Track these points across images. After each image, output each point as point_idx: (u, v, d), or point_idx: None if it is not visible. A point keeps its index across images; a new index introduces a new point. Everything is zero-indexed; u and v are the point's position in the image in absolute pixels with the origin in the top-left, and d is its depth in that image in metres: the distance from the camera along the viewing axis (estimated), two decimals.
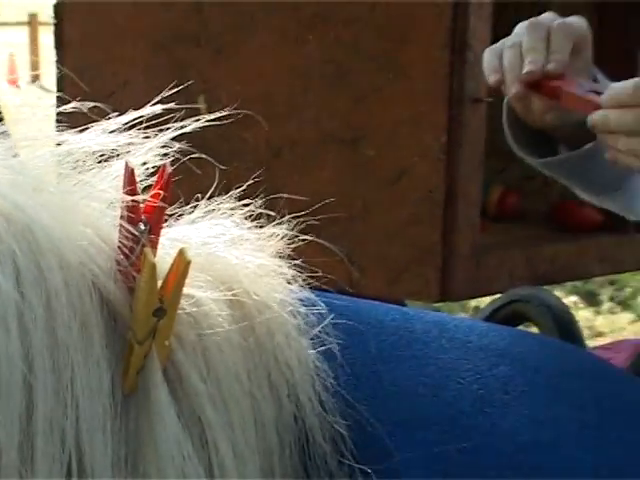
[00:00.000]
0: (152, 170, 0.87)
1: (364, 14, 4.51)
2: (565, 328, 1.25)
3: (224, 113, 0.93)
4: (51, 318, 0.77)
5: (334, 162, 4.33)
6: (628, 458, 0.91)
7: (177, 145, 0.90)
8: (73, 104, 0.91)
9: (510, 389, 0.93)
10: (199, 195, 0.93)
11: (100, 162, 0.88)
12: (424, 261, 3.95)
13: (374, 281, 3.97)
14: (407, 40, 4.43)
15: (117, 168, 0.86)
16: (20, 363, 0.74)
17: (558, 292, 5.73)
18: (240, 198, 0.95)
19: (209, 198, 0.93)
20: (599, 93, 1.41)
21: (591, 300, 8.04)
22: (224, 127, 0.94)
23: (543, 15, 1.41)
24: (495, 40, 4.64)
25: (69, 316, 0.78)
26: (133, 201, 0.82)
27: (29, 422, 0.73)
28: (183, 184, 0.92)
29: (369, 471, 0.83)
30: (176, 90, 0.95)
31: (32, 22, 22.41)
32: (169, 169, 0.85)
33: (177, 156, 0.89)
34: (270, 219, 0.95)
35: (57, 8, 5.45)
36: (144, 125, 0.89)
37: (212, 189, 0.95)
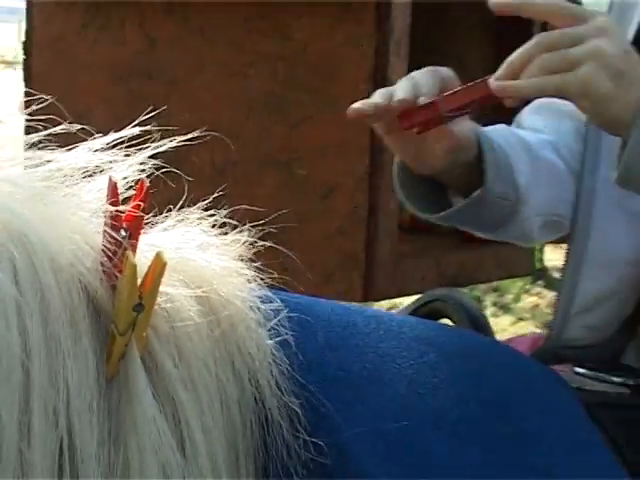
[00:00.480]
0: (131, 184, 0.87)
1: (298, 53, 4.53)
2: (477, 323, 1.28)
3: (175, 138, 0.93)
4: (45, 312, 0.76)
5: (271, 180, 4.35)
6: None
7: (151, 163, 0.90)
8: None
9: (438, 373, 0.94)
10: (171, 206, 0.93)
11: (85, 177, 0.88)
12: (349, 267, 4.00)
13: (306, 284, 3.98)
14: (335, 75, 4.45)
15: (101, 182, 0.86)
16: (19, 351, 0.73)
17: None
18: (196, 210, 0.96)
19: (178, 209, 0.94)
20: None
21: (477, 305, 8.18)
22: (175, 150, 0.94)
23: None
24: (413, 70, 4.68)
25: (60, 310, 0.77)
26: (115, 211, 0.82)
27: (27, 402, 0.73)
28: (156, 196, 0.92)
29: (321, 443, 0.83)
30: (132, 119, 0.95)
31: None
32: (147, 183, 0.85)
33: (151, 172, 0.90)
34: (229, 228, 0.96)
35: (25, 45, 5.42)
36: (118, 145, 0.89)
37: (180, 202, 0.95)
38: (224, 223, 0.95)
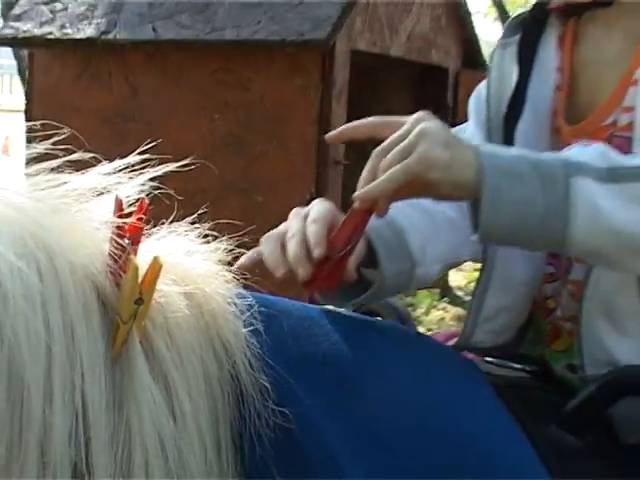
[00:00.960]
0: (132, 201, 0.87)
1: (256, 101, 4.55)
2: (404, 320, 1.28)
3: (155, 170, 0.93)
4: (64, 304, 0.77)
5: (234, 205, 4.35)
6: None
7: (148, 186, 0.90)
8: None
9: (383, 357, 0.95)
10: (163, 220, 0.93)
11: (95, 196, 0.87)
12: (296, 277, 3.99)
13: (272, 284, 3.97)
14: (287, 119, 4.48)
15: (108, 200, 0.86)
16: (43, 332, 0.74)
17: None
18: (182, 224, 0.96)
19: (170, 223, 0.94)
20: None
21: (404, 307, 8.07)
22: (155, 178, 0.94)
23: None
24: (350, 116, 4.71)
25: (76, 302, 0.78)
26: (120, 223, 0.82)
27: (49, 375, 0.73)
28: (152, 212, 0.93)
29: (286, 412, 0.84)
30: (118, 155, 0.94)
31: None
32: (146, 201, 0.85)
33: (147, 193, 0.90)
34: (210, 239, 0.96)
35: (27, 92, 5.36)
36: (121, 171, 0.89)
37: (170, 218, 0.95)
38: (206, 235, 0.96)
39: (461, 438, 0.87)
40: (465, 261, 1.27)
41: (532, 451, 0.88)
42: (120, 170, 0.90)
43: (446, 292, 7.16)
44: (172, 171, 0.93)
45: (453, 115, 5.89)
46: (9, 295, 0.72)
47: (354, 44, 4.70)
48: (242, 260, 0.98)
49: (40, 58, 5.26)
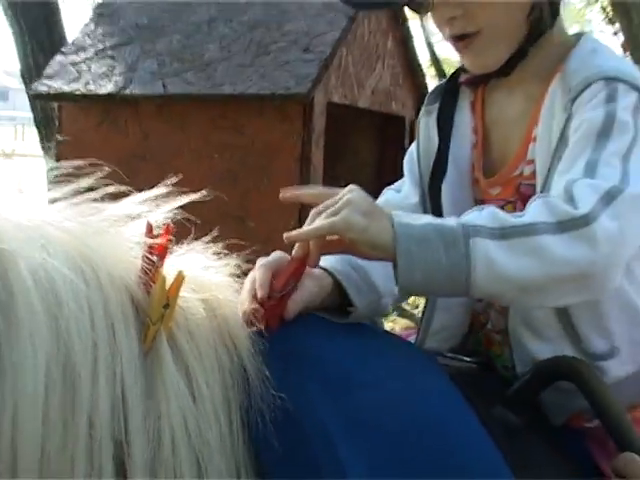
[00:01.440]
0: (160, 225, 0.87)
1: (249, 143, 4.57)
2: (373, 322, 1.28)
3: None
4: (106, 308, 0.78)
5: (231, 230, 4.31)
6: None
7: (171, 213, 0.90)
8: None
9: (363, 346, 0.93)
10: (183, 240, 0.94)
11: (129, 220, 0.88)
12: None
13: None
14: (274, 159, 4.51)
15: (139, 224, 0.87)
16: (90, 332, 0.75)
17: None
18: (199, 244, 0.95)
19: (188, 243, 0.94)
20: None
21: None
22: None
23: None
24: (326, 156, 4.72)
25: (115, 306, 0.79)
26: (150, 243, 0.83)
27: (96, 366, 0.74)
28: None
29: (284, 397, 0.83)
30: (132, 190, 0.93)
31: None
32: (171, 226, 0.86)
33: (171, 219, 0.89)
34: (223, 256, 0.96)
35: (57, 139, 5.32)
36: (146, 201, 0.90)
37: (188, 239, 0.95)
38: (219, 253, 0.95)
39: (433, 421, 0.87)
40: None
41: (482, 427, 0.88)
42: (146, 200, 0.89)
43: (395, 307, 7.14)
44: (162, 195, 0.93)
45: None
46: (63, 301, 0.74)
47: (329, 97, 4.74)
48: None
49: (68, 110, 5.24)
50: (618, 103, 0.89)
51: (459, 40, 0.99)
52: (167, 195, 0.94)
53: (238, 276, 0.95)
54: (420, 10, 1.01)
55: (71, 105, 5.21)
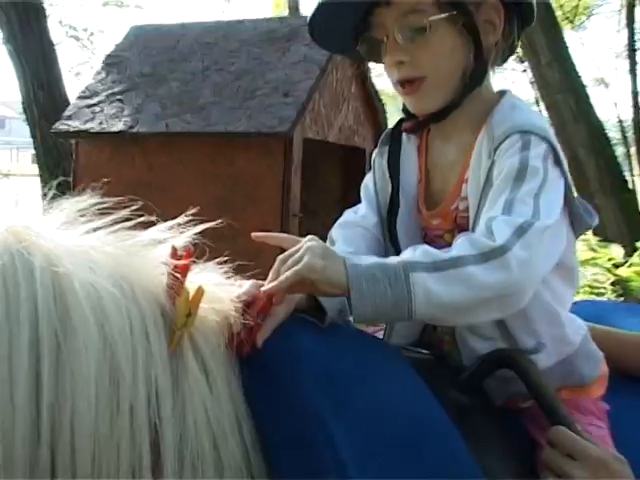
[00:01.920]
0: (183, 248, 0.87)
1: (238, 174, 4.56)
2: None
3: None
4: (141, 316, 0.78)
5: (224, 249, 4.26)
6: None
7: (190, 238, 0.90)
8: None
9: (343, 343, 0.92)
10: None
11: (156, 244, 0.88)
12: None
13: None
14: (260, 186, 4.52)
15: (164, 248, 0.87)
16: (130, 336, 0.76)
17: None
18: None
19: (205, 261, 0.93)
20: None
21: None
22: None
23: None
24: (302, 185, 4.72)
25: (149, 315, 0.79)
26: (175, 263, 0.84)
27: (135, 364, 0.75)
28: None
29: (282, 388, 0.83)
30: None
31: None
32: (192, 249, 0.87)
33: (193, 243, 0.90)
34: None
35: (74, 170, 5.24)
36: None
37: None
38: (227, 272, 0.95)
39: (402, 400, 0.88)
40: None
41: (441, 408, 0.89)
42: (168, 228, 0.90)
43: None
44: (179, 224, 0.90)
45: None
46: (108, 312, 0.75)
47: (305, 134, 4.77)
48: None
49: (83, 146, 5.20)
50: (530, 152, 0.91)
51: (405, 83, 0.99)
52: (185, 223, 0.91)
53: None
54: (374, 56, 1.02)
55: (86, 142, 5.17)
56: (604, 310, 1.18)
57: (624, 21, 11.02)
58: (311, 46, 5.63)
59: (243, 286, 0.91)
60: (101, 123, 4.97)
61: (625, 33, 10.78)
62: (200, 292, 0.83)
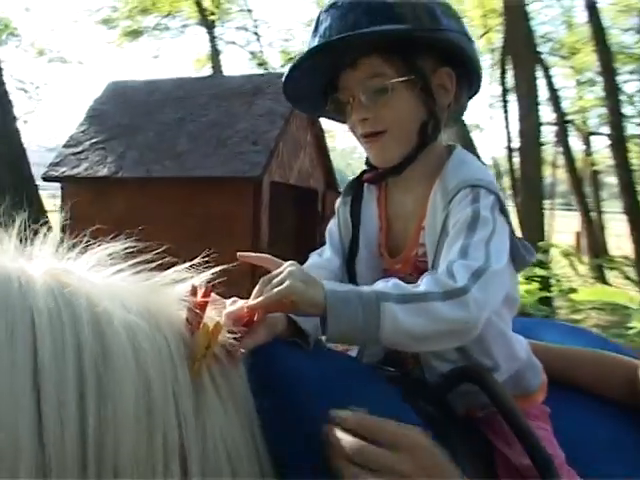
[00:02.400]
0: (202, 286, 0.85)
1: (212, 212, 4.56)
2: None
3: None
4: (168, 345, 0.78)
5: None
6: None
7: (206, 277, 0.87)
8: None
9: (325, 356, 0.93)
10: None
11: (174, 283, 0.86)
12: None
13: None
14: (232, 224, 4.50)
15: (183, 286, 0.86)
16: (159, 364, 0.76)
17: None
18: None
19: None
20: None
21: None
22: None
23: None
24: (269, 221, 4.68)
25: (173, 345, 0.79)
26: (194, 299, 0.83)
27: (165, 390, 0.75)
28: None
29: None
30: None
31: None
32: (210, 287, 0.85)
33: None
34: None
35: (61, 209, 5.14)
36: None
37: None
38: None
39: (384, 406, 0.86)
40: None
41: (416, 416, 0.89)
42: (184, 270, 0.88)
43: None
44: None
45: (322, 215, 6.13)
46: (141, 343, 0.75)
47: (272, 178, 4.81)
48: None
49: (70, 189, 5.11)
50: (480, 203, 0.93)
51: (368, 137, 0.99)
52: (199, 265, 0.89)
53: None
54: (341, 115, 1.02)
55: (73, 186, 5.08)
56: (527, 326, 1.21)
57: (496, 76, 11.82)
58: (274, 100, 5.70)
59: (233, 305, 0.90)
60: (87, 169, 4.90)
61: (495, 86, 11.81)
62: (219, 327, 0.84)
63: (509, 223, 0.96)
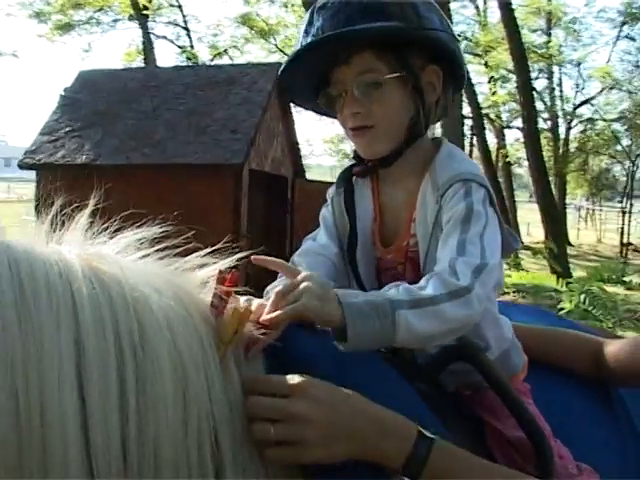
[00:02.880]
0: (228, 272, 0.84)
1: (193, 200, 4.44)
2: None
3: None
4: (197, 328, 0.77)
5: None
6: None
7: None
8: None
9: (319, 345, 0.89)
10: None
11: (197, 268, 0.85)
12: None
13: None
14: (213, 211, 4.42)
15: (205, 271, 0.85)
16: (192, 344, 0.75)
17: None
18: None
19: None
20: None
21: None
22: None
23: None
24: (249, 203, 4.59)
25: (201, 327, 0.78)
26: (219, 285, 0.82)
27: (198, 369, 0.75)
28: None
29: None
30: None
31: None
32: (236, 273, 0.84)
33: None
34: None
35: (37, 198, 4.98)
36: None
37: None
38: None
39: (390, 391, 0.89)
40: None
41: (416, 393, 0.91)
42: (205, 255, 0.87)
43: None
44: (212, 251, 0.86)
45: (292, 201, 6.15)
46: (175, 325, 0.75)
47: (250, 166, 4.76)
48: None
49: (46, 177, 4.95)
50: (473, 197, 0.95)
51: (357, 130, 0.99)
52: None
53: None
54: (332, 109, 1.02)
55: (49, 174, 4.92)
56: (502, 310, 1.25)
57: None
58: (249, 90, 5.63)
59: (248, 303, 0.87)
60: (64, 157, 4.76)
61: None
62: (247, 313, 0.82)
63: (497, 214, 0.98)
